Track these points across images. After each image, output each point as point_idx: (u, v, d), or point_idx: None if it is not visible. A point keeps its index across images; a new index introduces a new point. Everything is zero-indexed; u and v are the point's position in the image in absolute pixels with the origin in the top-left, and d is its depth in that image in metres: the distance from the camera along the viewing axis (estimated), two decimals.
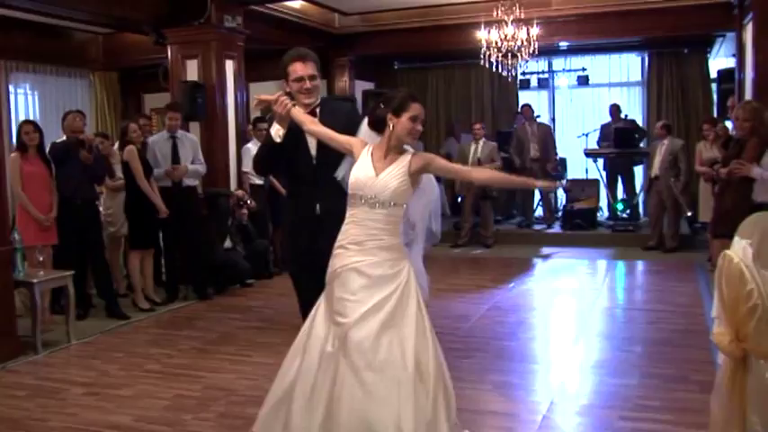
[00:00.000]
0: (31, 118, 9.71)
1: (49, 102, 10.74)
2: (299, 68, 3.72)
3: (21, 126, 6.64)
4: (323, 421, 3.15)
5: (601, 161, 11.48)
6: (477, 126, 10.75)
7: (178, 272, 7.74)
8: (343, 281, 3.27)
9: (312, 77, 3.73)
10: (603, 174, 11.50)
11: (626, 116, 11.68)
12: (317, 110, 3.77)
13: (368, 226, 3.28)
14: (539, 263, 9.85)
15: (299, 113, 3.63)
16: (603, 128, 11.53)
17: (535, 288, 8.23)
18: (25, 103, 10.54)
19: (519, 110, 11.54)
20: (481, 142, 10.60)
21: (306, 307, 3.62)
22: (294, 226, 3.90)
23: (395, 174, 3.29)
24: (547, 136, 11.24)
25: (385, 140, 3.36)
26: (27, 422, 4.40)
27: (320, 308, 3.37)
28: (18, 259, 5.97)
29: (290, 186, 4.14)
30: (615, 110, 11.55)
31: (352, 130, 3.53)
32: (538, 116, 11.66)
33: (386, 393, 3.09)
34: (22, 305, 6.33)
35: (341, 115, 3.78)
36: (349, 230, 3.31)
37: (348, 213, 3.35)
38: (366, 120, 3.50)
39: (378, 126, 3.40)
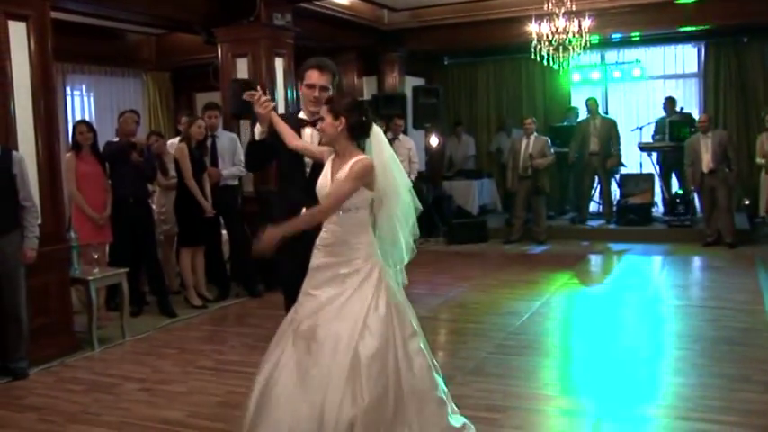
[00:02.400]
0: (87, 118, 9.92)
1: (104, 102, 10.95)
2: (314, 77, 3.87)
3: (75, 126, 6.77)
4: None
5: (655, 155, 11.23)
6: (528, 121, 10.63)
7: (228, 269, 7.79)
8: (309, 277, 3.47)
9: (324, 89, 3.86)
10: (657, 168, 11.25)
11: (681, 109, 11.39)
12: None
13: (331, 229, 3.42)
14: (592, 259, 9.69)
15: (281, 126, 3.78)
16: (658, 122, 11.27)
17: (589, 285, 8.09)
18: (81, 104, 10.77)
19: (585, 103, 11.31)
20: (533, 137, 10.47)
21: (287, 292, 3.85)
22: (281, 221, 3.86)
23: (340, 179, 3.36)
24: (610, 130, 11.01)
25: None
26: (83, 416, 4.48)
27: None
28: (74, 257, 6.09)
29: (280, 183, 4.23)
30: (671, 103, 11.28)
31: None
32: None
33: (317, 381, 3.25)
34: (78, 302, 6.45)
35: None
36: (321, 233, 3.45)
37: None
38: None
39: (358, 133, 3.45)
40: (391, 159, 3.47)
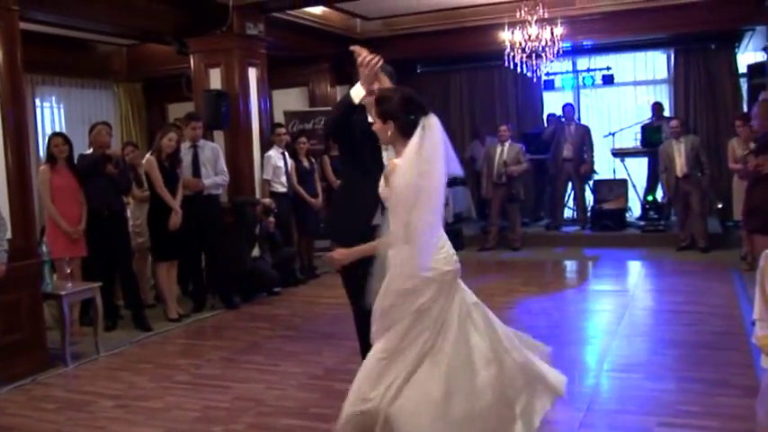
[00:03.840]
0: (58, 130, 9.79)
1: (75, 114, 10.83)
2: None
3: (50, 138, 6.65)
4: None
5: (631, 161, 11.31)
6: (503, 128, 10.67)
7: (204, 281, 7.72)
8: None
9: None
10: (644, 174, 11.33)
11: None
12: None
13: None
14: (568, 265, 9.72)
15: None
16: (645, 127, 11.28)
17: (565, 290, 8.12)
18: (51, 115, 10.64)
19: (562, 108, 11.36)
20: (507, 144, 10.51)
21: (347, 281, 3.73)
22: (346, 207, 3.84)
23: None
24: (584, 137, 11.07)
25: None
26: None
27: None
28: (46, 271, 5.99)
29: (348, 176, 4.02)
30: (658, 108, 11.35)
31: None
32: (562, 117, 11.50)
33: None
34: (50, 317, 6.33)
35: None
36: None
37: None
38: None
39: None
40: (434, 153, 3.17)
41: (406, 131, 3.22)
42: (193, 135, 7.64)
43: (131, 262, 7.29)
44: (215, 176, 7.72)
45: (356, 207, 3.71)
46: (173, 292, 7.38)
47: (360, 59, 3.56)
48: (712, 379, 4.73)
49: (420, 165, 3.10)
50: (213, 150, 7.84)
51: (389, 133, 3.26)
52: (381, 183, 3.31)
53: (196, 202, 7.53)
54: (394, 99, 3.27)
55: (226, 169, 7.89)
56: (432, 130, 3.17)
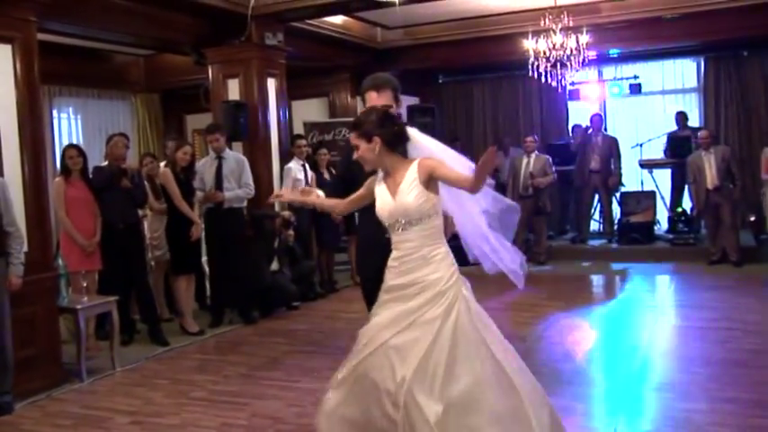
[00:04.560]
0: (75, 142, 9.89)
1: (92, 125, 10.93)
2: (372, 98, 3.82)
3: (65, 150, 6.69)
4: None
5: (659, 172, 11.21)
6: (529, 139, 10.62)
7: (223, 296, 7.73)
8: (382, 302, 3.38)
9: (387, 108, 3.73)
10: (668, 185, 11.21)
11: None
12: None
13: (405, 246, 3.31)
14: (595, 279, 9.63)
15: (325, 203, 3.82)
16: (671, 136, 11.20)
17: (592, 305, 8.05)
18: (68, 127, 10.74)
19: (590, 119, 11.29)
20: (533, 155, 10.45)
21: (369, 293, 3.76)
22: (365, 246, 3.99)
23: (405, 190, 3.27)
24: (611, 148, 11.00)
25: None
26: None
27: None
28: (62, 285, 6.02)
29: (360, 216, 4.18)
30: (682, 118, 11.26)
31: None
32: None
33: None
34: (66, 332, 6.36)
35: None
36: (393, 252, 3.36)
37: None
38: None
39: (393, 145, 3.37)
40: (444, 152, 3.36)
41: (393, 144, 3.32)
42: (217, 147, 7.66)
43: (147, 275, 7.31)
44: (238, 189, 7.69)
45: (370, 245, 3.82)
46: (190, 306, 7.40)
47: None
48: (747, 399, 4.64)
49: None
50: (238, 162, 7.82)
51: (376, 151, 3.32)
52: (384, 195, 3.37)
53: (216, 215, 7.55)
54: (371, 117, 3.37)
55: (251, 182, 7.83)
56: (418, 135, 3.32)
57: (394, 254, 3.35)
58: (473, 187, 3.15)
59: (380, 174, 3.43)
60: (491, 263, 3.55)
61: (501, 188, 12.12)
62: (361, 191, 3.58)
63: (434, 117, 11.50)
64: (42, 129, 6.01)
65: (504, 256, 3.53)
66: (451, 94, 13.46)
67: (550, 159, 10.67)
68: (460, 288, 3.31)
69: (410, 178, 3.27)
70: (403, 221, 3.28)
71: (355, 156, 3.41)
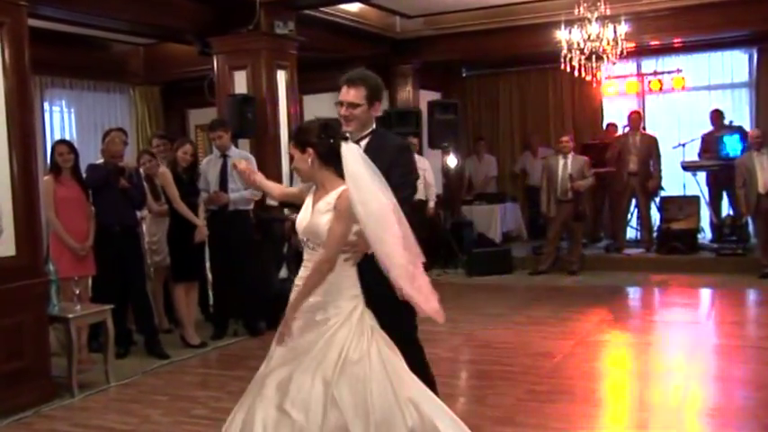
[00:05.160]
0: (68, 137, 9.95)
1: (87, 119, 10.99)
2: (342, 93, 3.96)
3: (54, 146, 6.69)
4: None
5: (702, 175, 11.12)
6: (565, 139, 10.54)
7: (227, 305, 7.72)
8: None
9: (352, 105, 3.91)
10: (706, 190, 11.13)
11: (731, 122, 11.29)
12: (363, 142, 3.89)
13: (309, 267, 3.49)
14: (632, 292, 9.56)
15: (266, 185, 4.07)
16: (705, 137, 11.16)
17: (629, 321, 8.00)
18: (61, 121, 10.79)
19: (628, 117, 11.24)
20: (570, 156, 10.38)
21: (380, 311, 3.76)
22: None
23: (320, 210, 3.44)
24: (651, 148, 10.92)
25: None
26: None
27: None
28: (53, 292, 6.01)
29: None
30: (717, 116, 11.19)
31: (393, 173, 3.62)
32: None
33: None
34: (56, 343, 6.36)
35: (386, 154, 3.82)
36: (301, 270, 3.56)
37: None
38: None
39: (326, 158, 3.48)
40: (363, 183, 3.35)
41: (326, 158, 3.44)
42: (221, 144, 7.64)
43: (146, 282, 7.30)
44: (244, 190, 7.66)
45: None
46: (192, 316, 7.40)
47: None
48: None
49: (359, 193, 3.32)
50: (245, 161, 7.80)
51: (309, 162, 3.46)
52: (308, 205, 3.56)
53: (221, 218, 7.55)
54: (312, 126, 3.54)
55: None
56: (351, 156, 3.36)
57: (301, 271, 3.55)
58: (319, 265, 3.42)
59: (310, 187, 3.61)
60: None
61: (527, 192, 12.15)
62: (295, 190, 3.94)
63: (457, 113, 11.53)
64: (33, 122, 6.00)
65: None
66: (476, 89, 13.45)
67: (588, 160, 10.60)
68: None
69: (328, 200, 3.42)
70: (311, 243, 3.49)
71: (291, 166, 3.64)
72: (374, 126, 4.01)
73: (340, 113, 3.94)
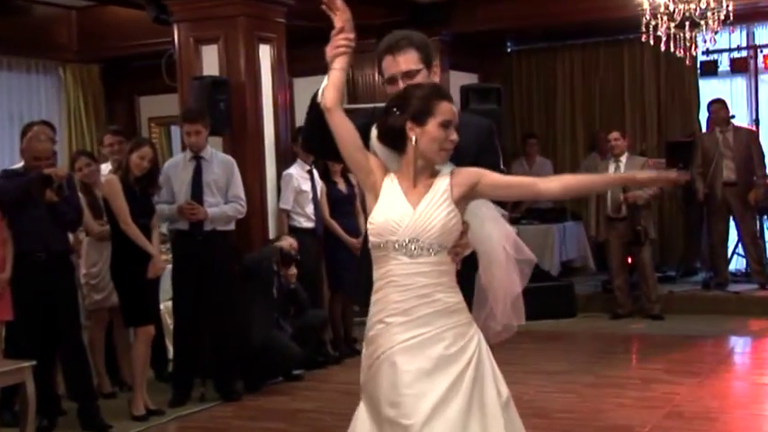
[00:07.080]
0: None
1: (0, 108, 10.97)
2: (386, 65, 3.88)
3: None
4: None
5: None
6: (614, 136, 10.56)
7: (193, 360, 7.71)
8: (391, 371, 3.37)
9: (409, 74, 3.79)
10: None
11: None
12: None
13: (413, 285, 3.35)
14: (737, 343, 9.52)
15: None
16: None
17: (732, 383, 8.03)
18: None
19: (708, 108, 11.22)
20: (624, 159, 10.41)
21: None
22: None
23: (436, 203, 3.37)
24: (749, 147, 10.87)
25: (409, 162, 3.43)
26: None
27: (360, 415, 3.67)
28: None
29: None
30: None
31: (481, 160, 3.61)
32: (733, 116, 11.31)
33: None
34: None
35: (471, 133, 3.75)
36: (388, 297, 3.39)
37: (379, 273, 3.44)
38: (374, 132, 3.50)
39: (393, 141, 3.44)
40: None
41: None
42: (193, 142, 7.65)
43: (80, 330, 7.28)
44: (224, 205, 7.70)
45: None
46: (144, 375, 7.36)
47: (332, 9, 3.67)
48: None
49: None
50: (225, 166, 7.85)
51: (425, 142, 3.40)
52: (400, 197, 3.42)
53: (191, 240, 7.56)
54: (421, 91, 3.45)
55: (243, 195, 7.87)
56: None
57: (395, 296, 3.38)
58: (545, 193, 3.50)
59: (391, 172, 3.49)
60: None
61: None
62: (368, 155, 3.53)
63: (500, 102, 11.46)
64: None
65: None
66: (525, 70, 13.50)
67: (649, 161, 10.53)
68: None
69: (441, 189, 3.38)
70: (415, 242, 3.34)
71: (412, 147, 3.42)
72: None
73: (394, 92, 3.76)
